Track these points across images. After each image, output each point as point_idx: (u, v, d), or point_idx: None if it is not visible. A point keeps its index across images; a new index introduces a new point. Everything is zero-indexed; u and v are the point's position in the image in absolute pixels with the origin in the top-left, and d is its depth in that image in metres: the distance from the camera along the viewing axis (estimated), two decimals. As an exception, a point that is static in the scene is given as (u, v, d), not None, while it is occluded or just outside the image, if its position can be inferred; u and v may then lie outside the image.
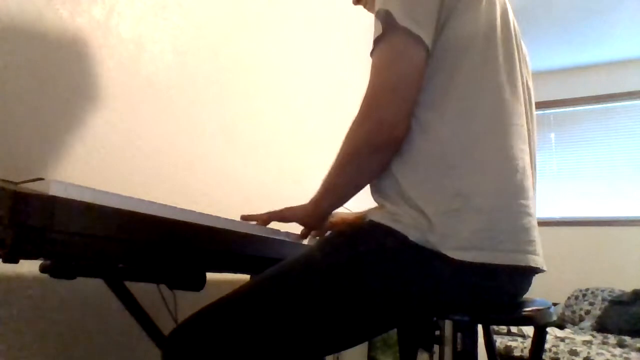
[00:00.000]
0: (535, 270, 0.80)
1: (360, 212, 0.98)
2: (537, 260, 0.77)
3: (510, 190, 0.75)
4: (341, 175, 0.83)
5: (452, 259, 0.70)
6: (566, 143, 4.36)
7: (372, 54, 0.79)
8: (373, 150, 0.77)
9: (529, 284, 0.85)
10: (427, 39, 0.74)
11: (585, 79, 4.35)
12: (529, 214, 0.77)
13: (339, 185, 0.85)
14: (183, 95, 1.41)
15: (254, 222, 0.98)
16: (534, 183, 0.87)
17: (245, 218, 1.01)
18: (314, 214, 0.92)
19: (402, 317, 0.76)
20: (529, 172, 0.80)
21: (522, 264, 0.74)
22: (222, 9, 1.60)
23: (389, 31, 0.75)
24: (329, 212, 0.93)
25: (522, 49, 0.91)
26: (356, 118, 0.78)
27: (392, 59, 0.76)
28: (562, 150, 4.35)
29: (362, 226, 0.79)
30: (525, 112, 0.84)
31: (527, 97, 0.88)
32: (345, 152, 0.81)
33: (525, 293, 0.86)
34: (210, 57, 1.53)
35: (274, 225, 0.97)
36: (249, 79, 1.73)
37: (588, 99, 4.32)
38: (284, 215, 0.96)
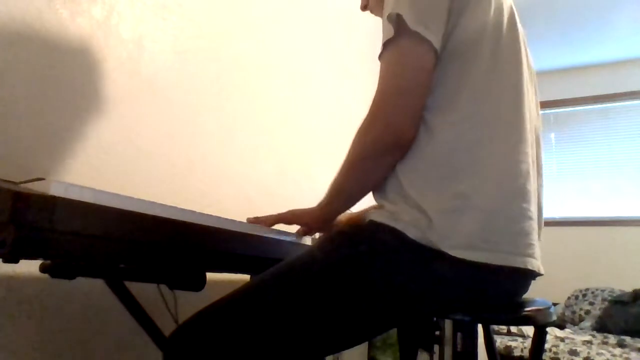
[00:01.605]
0: (534, 274, 0.80)
1: (362, 211, 0.98)
2: (535, 264, 0.77)
3: (512, 193, 0.75)
4: (348, 179, 0.83)
5: (452, 257, 0.70)
6: (566, 143, 4.35)
7: (380, 57, 0.78)
8: (381, 154, 0.77)
9: (528, 285, 0.85)
10: (436, 43, 0.75)
11: (585, 79, 4.35)
12: (530, 218, 0.77)
13: (347, 189, 0.85)
14: (183, 95, 1.41)
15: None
16: (539, 186, 0.87)
17: (251, 221, 1.01)
18: (321, 219, 0.92)
19: (402, 315, 0.76)
20: (532, 175, 0.80)
21: (521, 266, 0.74)
22: (222, 9, 1.60)
23: (399, 35, 0.75)
24: (335, 216, 0.93)
25: (527, 49, 0.91)
26: (364, 122, 0.78)
27: (401, 62, 0.76)
28: (562, 150, 4.35)
29: (362, 225, 0.79)
30: (530, 114, 0.84)
31: (532, 97, 0.87)
32: (352, 156, 0.81)
33: (523, 294, 0.86)
34: (210, 57, 1.53)
35: (276, 225, 0.97)
36: (249, 79, 1.73)
37: (588, 99, 4.32)
38: (290, 220, 0.96)
